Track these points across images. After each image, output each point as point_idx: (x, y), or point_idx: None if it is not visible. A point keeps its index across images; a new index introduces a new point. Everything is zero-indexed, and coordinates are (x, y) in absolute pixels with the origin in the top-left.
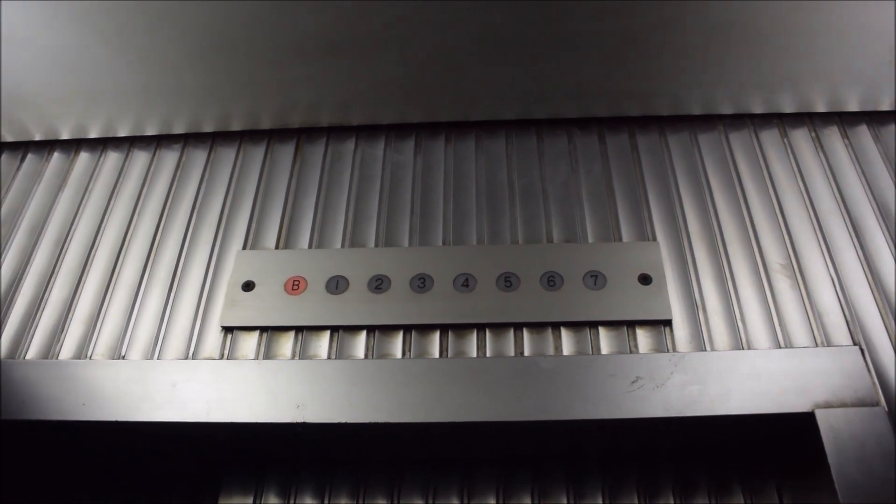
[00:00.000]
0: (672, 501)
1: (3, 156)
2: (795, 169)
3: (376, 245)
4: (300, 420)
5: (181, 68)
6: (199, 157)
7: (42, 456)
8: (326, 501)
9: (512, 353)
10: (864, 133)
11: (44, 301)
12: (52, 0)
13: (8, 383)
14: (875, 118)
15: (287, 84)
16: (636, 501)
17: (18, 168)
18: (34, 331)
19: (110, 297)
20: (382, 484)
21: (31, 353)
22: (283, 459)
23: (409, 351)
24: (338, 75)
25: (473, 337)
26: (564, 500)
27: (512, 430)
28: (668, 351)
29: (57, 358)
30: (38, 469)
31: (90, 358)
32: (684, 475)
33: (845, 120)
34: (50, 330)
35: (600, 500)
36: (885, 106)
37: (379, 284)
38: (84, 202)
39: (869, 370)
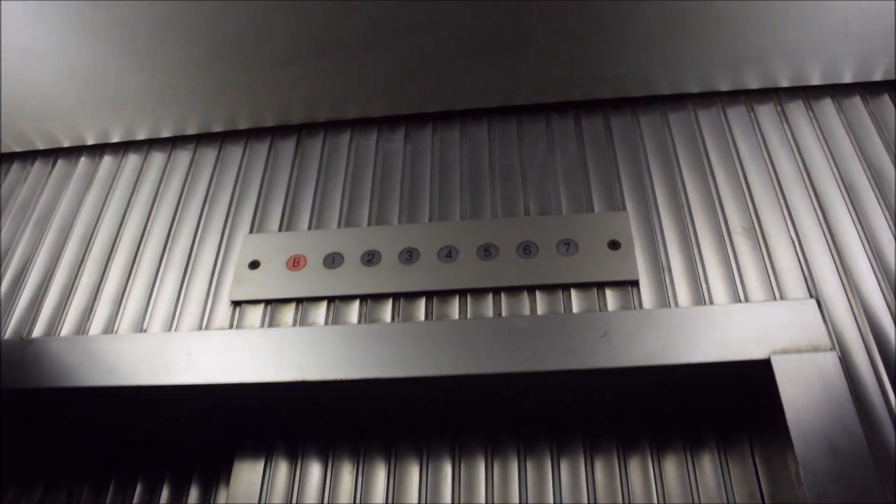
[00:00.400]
0: (649, 458)
1: (37, 162)
2: (760, 141)
3: (369, 224)
4: (300, 379)
5: (190, 74)
6: (209, 154)
7: (77, 427)
8: (330, 466)
9: (490, 315)
10: (827, 105)
11: (75, 286)
12: (72, 18)
13: (46, 357)
14: (839, 91)
15: (286, 84)
16: (615, 458)
17: (50, 173)
18: (67, 311)
19: (133, 280)
20: (380, 449)
21: (65, 330)
22: (290, 429)
23: (398, 316)
24: (332, 74)
25: (456, 302)
26: (548, 460)
27: (490, 382)
28: (634, 308)
29: (87, 334)
30: (73, 441)
31: (116, 332)
32: (661, 433)
33: (810, 94)
34: (81, 310)
35: (582, 459)
36: (847, 78)
37: (371, 258)
38: (108, 199)
39: (825, 320)
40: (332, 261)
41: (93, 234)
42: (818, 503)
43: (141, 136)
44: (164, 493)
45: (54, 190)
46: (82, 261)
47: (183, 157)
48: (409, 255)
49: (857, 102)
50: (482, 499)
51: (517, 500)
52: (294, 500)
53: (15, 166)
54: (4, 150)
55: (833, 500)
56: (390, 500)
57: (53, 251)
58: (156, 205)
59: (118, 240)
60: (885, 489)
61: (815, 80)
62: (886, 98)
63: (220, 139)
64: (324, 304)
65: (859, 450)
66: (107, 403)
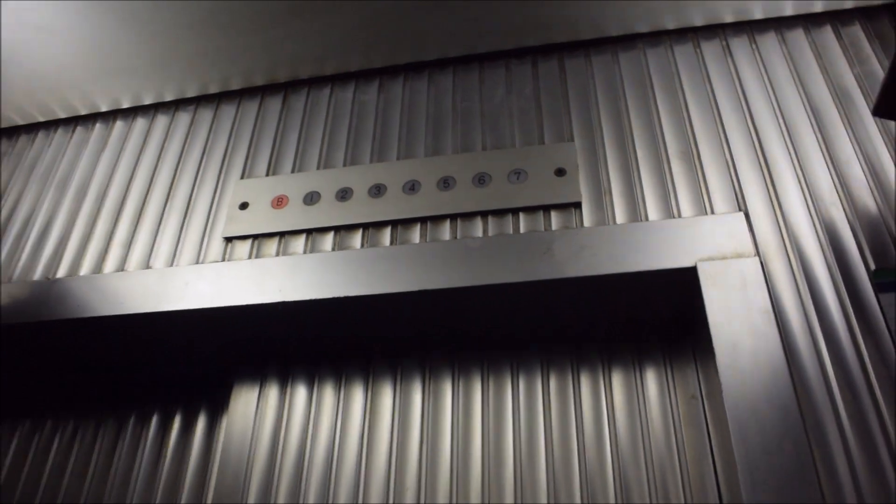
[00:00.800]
0: (600, 368)
1: (59, 130)
2: (704, 75)
3: (344, 165)
4: (281, 300)
5: (186, 40)
6: (207, 114)
7: (99, 359)
8: (315, 389)
9: (447, 239)
10: (770, 39)
11: (92, 233)
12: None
13: (68, 294)
14: (782, 24)
15: (271, 45)
16: (570, 374)
17: (70, 139)
18: (85, 255)
19: (140, 225)
20: (358, 372)
21: (84, 270)
22: (280, 354)
23: (367, 243)
24: (311, 32)
25: (417, 229)
26: (508, 375)
27: (445, 296)
28: (576, 227)
29: (102, 272)
30: (97, 377)
31: (125, 270)
32: (611, 346)
33: (755, 28)
34: (97, 253)
35: (539, 377)
36: (788, 11)
37: (344, 195)
38: (120, 158)
39: (751, 231)
40: (311, 198)
41: (107, 188)
42: (732, 393)
43: (147, 101)
44: (177, 422)
45: (74, 153)
46: (98, 212)
47: (184, 117)
48: (377, 190)
49: (799, 34)
50: (448, 412)
51: (479, 411)
52: (285, 419)
53: (40, 135)
54: (30, 120)
55: (748, 392)
56: (367, 413)
57: (74, 205)
58: (160, 160)
59: (128, 192)
60: (794, 380)
61: (758, 15)
62: (828, 28)
63: (217, 100)
64: (303, 237)
65: (772, 346)
66: (120, 332)
